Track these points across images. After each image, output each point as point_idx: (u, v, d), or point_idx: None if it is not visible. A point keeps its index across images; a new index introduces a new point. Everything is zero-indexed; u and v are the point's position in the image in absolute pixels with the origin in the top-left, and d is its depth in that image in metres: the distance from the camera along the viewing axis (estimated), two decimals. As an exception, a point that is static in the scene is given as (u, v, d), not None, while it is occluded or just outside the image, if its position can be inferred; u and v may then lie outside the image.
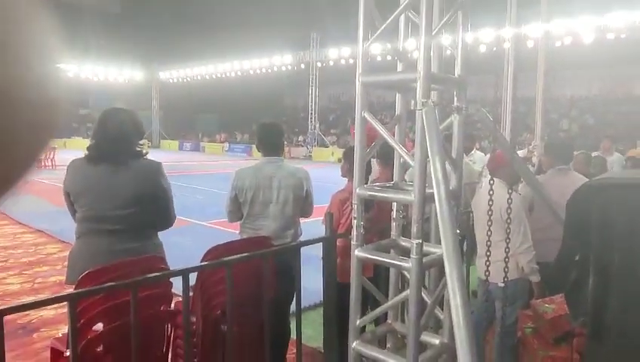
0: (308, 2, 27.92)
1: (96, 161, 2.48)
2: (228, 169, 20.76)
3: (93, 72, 33.19)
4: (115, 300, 2.24)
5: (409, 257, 2.17)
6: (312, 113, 29.91)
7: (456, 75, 2.42)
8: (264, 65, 30.58)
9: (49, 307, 3.80)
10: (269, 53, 29.76)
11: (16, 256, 6.11)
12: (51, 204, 10.37)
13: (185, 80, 36.25)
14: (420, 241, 2.10)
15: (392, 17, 2.29)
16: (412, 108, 2.15)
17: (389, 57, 21.40)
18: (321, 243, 2.98)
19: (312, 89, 29.58)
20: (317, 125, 29.95)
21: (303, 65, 29.50)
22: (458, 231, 2.12)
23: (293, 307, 3.13)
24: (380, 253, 2.41)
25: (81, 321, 2.14)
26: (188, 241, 6.64)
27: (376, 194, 2.35)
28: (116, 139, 2.49)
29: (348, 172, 3.37)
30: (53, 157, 18.81)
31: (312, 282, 3.42)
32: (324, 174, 16.34)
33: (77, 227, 2.52)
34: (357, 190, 2.36)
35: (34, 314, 4.13)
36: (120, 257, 2.35)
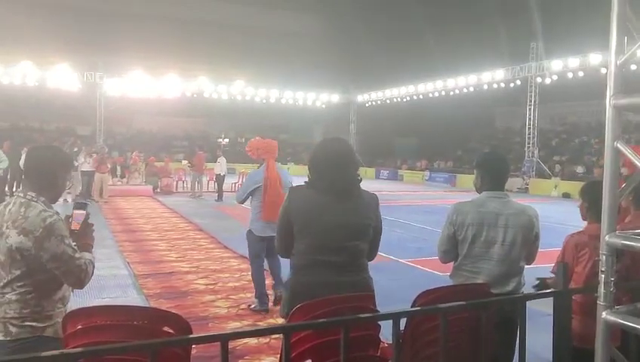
0: (526, 8, 26.82)
1: (322, 192, 2.70)
2: (429, 201, 20.82)
3: (294, 97, 36.66)
4: (324, 337, 2.42)
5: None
6: (529, 137, 28.16)
7: None
8: (471, 83, 30.08)
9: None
10: (477, 70, 29.24)
11: (224, 279, 7.03)
12: (253, 230, 11.65)
13: (383, 102, 37.67)
14: (699, 309, 1.82)
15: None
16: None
17: (633, 67, 19.18)
18: (552, 297, 2.79)
19: (530, 108, 27.91)
20: (536, 151, 28.06)
21: (519, 82, 28.15)
22: None
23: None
24: (637, 319, 2.15)
25: (292, 355, 2.35)
26: (385, 279, 6.77)
27: (634, 244, 2.12)
28: (341, 170, 2.69)
29: (588, 212, 3.12)
30: (255, 183, 21.24)
31: (535, 343, 3.20)
32: (545, 211, 15.19)
33: (296, 259, 2.75)
34: (607, 237, 2.16)
35: (239, 341, 4.66)
36: (340, 289, 2.53)
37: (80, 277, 2.42)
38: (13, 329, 2.30)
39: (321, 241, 2.66)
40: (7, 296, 2.32)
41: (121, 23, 32.96)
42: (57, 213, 2.44)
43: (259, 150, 5.81)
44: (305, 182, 2.79)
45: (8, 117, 37.76)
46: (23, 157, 15.47)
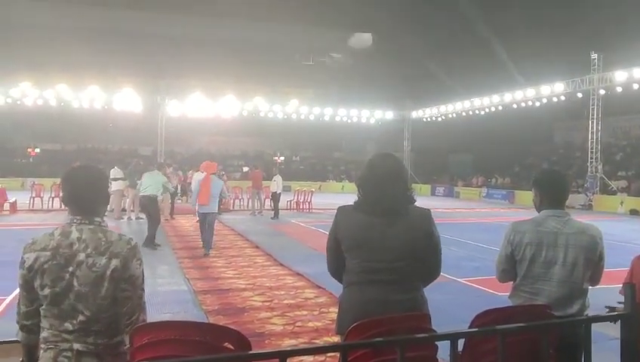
0: (586, 18, 26.02)
1: (367, 212, 2.67)
2: (486, 218, 20.33)
3: (348, 114, 36.82)
4: (380, 357, 2.41)
5: None
6: (591, 151, 27.02)
7: None
8: (529, 97, 29.34)
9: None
10: (534, 83, 28.54)
11: (280, 297, 7.09)
12: (308, 247, 11.76)
13: (438, 118, 37.28)
14: None
15: None
16: None
17: None
18: (619, 320, 2.67)
19: (592, 122, 26.80)
20: (599, 166, 26.91)
21: (579, 94, 27.20)
22: None
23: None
24: None
25: (348, 374, 2.36)
26: (441, 299, 6.66)
27: None
28: (390, 189, 2.65)
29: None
30: (310, 200, 21.47)
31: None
32: (611, 229, 14.53)
33: (347, 276, 2.76)
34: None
35: (294, 358, 4.66)
36: (391, 308, 2.51)
37: (134, 311, 2.26)
38: (109, 359, 2.21)
39: (367, 262, 2.64)
40: (94, 327, 2.19)
41: (181, 47, 34.34)
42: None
43: (203, 167, 11.47)
44: (354, 201, 2.77)
45: (76, 139, 39.90)
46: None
